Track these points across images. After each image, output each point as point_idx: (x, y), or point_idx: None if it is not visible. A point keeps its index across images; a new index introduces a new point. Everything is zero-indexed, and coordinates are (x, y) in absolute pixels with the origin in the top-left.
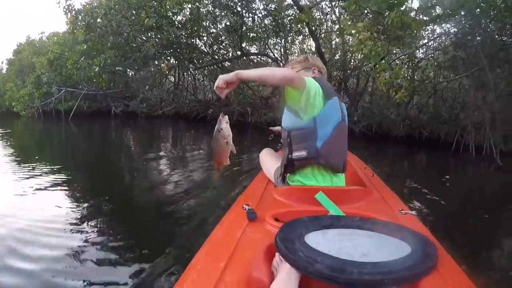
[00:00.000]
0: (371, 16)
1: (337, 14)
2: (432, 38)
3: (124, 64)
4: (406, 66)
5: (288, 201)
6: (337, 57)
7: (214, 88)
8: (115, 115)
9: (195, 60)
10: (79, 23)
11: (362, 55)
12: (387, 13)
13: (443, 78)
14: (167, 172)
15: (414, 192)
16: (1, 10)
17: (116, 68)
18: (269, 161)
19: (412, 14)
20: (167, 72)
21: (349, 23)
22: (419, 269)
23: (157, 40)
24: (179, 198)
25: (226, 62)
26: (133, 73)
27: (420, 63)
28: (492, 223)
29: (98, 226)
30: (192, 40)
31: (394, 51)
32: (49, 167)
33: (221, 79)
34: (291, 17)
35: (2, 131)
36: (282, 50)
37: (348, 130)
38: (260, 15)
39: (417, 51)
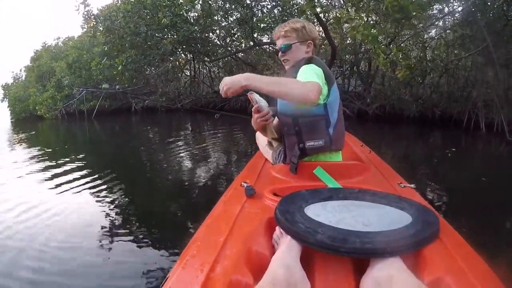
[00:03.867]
0: (372, 2)
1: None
2: (440, 17)
3: (143, 61)
4: (415, 46)
5: (286, 177)
6: (348, 41)
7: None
8: (135, 111)
9: (209, 53)
10: (99, 27)
11: (359, 40)
12: None
13: (454, 56)
14: (178, 158)
15: (420, 168)
16: (16, 20)
17: (134, 67)
18: (266, 141)
19: None
20: (183, 66)
21: (345, 11)
22: (421, 237)
23: (173, 37)
24: (186, 181)
25: (240, 53)
26: (152, 69)
27: (429, 43)
28: (498, 196)
29: (115, 207)
30: (206, 35)
31: (405, 33)
32: (77, 160)
33: (224, 91)
34: (299, 6)
35: (31, 133)
36: None
37: (361, 112)
38: (269, 6)
39: (428, 30)
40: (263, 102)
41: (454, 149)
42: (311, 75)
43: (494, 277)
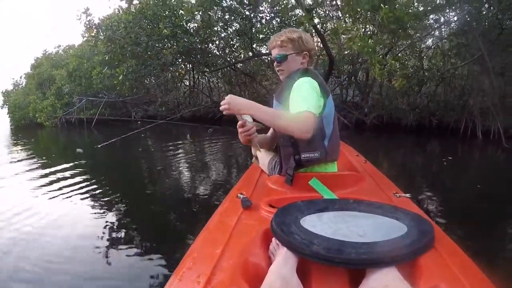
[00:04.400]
0: (369, 13)
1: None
2: (435, 27)
3: (144, 71)
4: (412, 56)
5: (282, 188)
6: (346, 52)
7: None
8: (136, 120)
9: (209, 64)
10: (100, 37)
11: (356, 51)
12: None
13: (450, 65)
14: (175, 168)
15: (416, 177)
16: (16, 20)
17: (135, 77)
18: (262, 151)
19: (414, 5)
20: (183, 76)
21: (343, 23)
22: (416, 246)
23: (174, 47)
24: (182, 191)
25: (239, 64)
26: (151, 79)
27: (424, 53)
28: (494, 203)
29: (112, 217)
30: (206, 45)
31: (403, 43)
32: (73, 168)
33: (226, 111)
34: (297, 17)
35: (31, 140)
36: None
37: (359, 121)
38: (267, 17)
39: (424, 40)
40: (248, 118)
41: (450, 158)
42: (305, 101)
43: (489, 285)
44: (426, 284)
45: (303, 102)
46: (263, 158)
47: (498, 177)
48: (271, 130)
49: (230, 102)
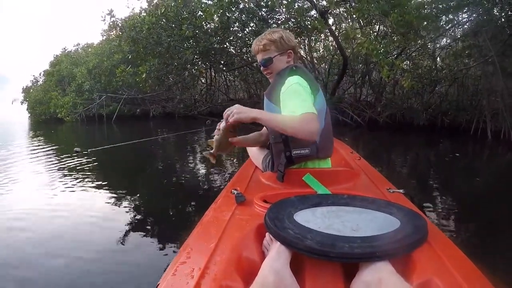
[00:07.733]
0: (379, 18)
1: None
2: (447, 28)
3: (165, 70)
4: (424, 56)
5: (276, 184)
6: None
7: (224, 116)
8: (153, 116)
9: (227, 63)
10: (123, 37)
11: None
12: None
13: (463, 66)
14: (180, 162)
15: (419, 174)
16: (35, 26)
17: (156, 75)
18: (256, 148)
19: (426, 7)
20: (202, 74)
21: (356, 24)
22: (409, 240)
23: (194, 48)
24: (180, 185)
25: (255, 63)
26: (170, 77)
27: (437, 53)
28: (496, 200)
29: (105, 209)
30: (224, 45)
31: (415, 43)
32: (83, 159)
33: (234, 118)
34: (312, 19)
35: (51, 134)
36: (306, 48)
37: (372, 120)
38: (283, 19)
39: (436, 41)
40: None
41: (458, 154)
42: (302, 103)
43: (481, 277)
44: (419, 278)
45: (300, 102)
46: (258, 155)
47: (500, 176)
48: (264, 128)
49: (238, 108)
